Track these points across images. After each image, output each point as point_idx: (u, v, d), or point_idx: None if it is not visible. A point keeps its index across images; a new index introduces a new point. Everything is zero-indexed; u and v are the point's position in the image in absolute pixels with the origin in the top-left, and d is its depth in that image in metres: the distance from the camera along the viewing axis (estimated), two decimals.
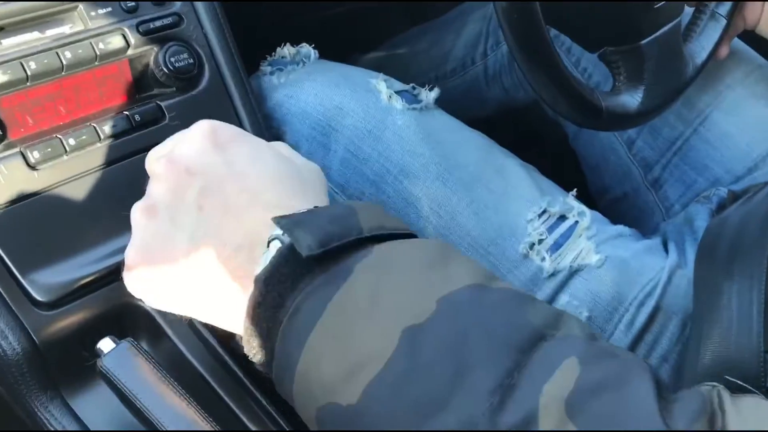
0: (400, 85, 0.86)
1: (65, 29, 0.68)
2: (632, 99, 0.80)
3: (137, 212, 0.54)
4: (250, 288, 0.49)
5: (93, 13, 0.70)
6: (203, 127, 0.54)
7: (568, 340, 0.45)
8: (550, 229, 0.78)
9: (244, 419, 0.63)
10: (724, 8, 0.84)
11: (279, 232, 0.49)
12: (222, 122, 0.56)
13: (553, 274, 0.76)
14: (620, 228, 0.83)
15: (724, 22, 0.85)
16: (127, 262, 0.54)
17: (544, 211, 0.79)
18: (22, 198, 0.64)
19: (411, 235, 0.52)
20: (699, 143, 0.92)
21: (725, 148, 0.90)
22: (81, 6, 0.69)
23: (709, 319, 0.72)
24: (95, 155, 0.68)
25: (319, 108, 0.83)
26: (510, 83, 1.16)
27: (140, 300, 0.66)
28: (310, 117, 0.83)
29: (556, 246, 0.77)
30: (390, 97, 0.83)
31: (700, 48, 0.85)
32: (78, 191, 0.66)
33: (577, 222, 0.79)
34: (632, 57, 0.79)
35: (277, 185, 0.53)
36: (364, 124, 0.82)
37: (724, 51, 0.87)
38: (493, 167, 0.83)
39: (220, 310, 0.52)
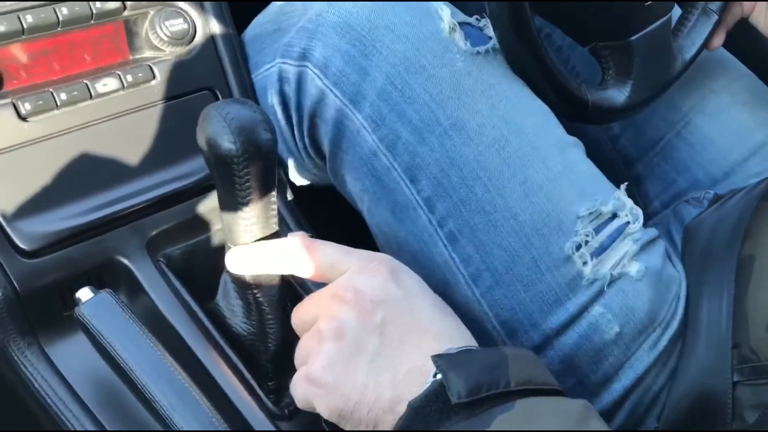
0: (461, 16, 0.76)
1: None
2: (619, 93, 0.81)
3: (327, 331, 0.57)
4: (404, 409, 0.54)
5: None
6: (385, 261, 0.60)
7: None
8: (598, 230, 0.71)
9: (216, 377, 0.64)
10: (716, 5, 0.85)
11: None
12: (392, 258, 0.61)
13: (591, 282, 0.69)
14: (652, 231, 0.76)
15: (715, 17, 0.85)
16: (313, 376, 0.57)
17: (596, 209, 0.71)
18: (11, 147, 0.65)
19: (557, 392, 0.55)
20: (681, 145, 0.93)
21: (705, 152, 0.91)
22: None
23: (690, 326, 0.72)
24: (86, 111, 0.69)
25: (365, 23, 0.72)
26: None
27: (120, 255, 0.68)
28: (353, 31, 0.72)
29: (601, 249, 0.70)
30: (453, 29, 0.72)
31: (690, 43, 0.85)
32: (67, 145, 0.67)
33: (628, 222, 0.72)
34: (622, 52, 0.80)
35: (440, 317, 0.59)
36: (417, 55, 0.71)
37: (717, 41, 0.87)
38: (552, 139, 0.74)
39: (375, 423, 0.56)
